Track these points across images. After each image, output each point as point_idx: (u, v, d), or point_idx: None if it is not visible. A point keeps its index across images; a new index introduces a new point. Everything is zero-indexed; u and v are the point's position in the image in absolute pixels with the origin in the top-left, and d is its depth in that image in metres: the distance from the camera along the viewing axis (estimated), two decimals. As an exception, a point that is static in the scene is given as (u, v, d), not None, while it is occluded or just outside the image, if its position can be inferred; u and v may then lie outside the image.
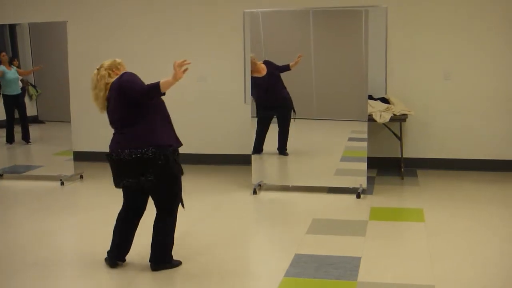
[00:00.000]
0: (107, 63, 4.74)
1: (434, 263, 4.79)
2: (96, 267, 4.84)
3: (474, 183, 7.67)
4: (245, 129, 7.78)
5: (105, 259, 4.89)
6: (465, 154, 8.32)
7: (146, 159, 4.47)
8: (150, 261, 4.79)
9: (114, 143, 4.62)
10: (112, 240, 4.84)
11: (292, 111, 7.31)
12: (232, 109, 8.79)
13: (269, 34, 7.42)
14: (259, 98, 7.39)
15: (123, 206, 4.83)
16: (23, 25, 8.66)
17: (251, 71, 7.35)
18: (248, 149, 7.51)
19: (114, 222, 4.82)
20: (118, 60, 4.82)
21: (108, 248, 4.87)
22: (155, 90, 4.49)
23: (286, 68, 7.25)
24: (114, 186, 4.69)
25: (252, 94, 7.41)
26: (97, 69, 4.72)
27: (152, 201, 4.73)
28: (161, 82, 4.50)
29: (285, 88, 7.31)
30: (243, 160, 8.27)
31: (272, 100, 7.46)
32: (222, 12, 8.76)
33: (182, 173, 4.68)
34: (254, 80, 7.33)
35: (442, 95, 8.27)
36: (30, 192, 7.68)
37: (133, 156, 4.47)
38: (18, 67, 8.60)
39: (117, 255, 4.86)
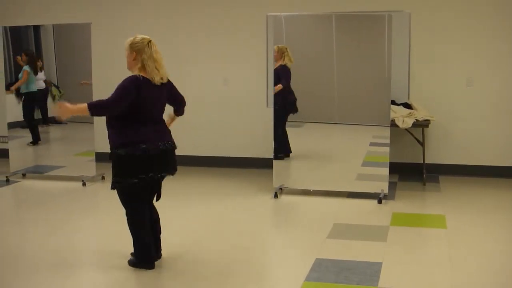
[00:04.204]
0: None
1: (455, 270, 4.76)
2: (116, 267, 4.86)
3: (497, 190, 7.59)
4: (267, 133, 7.77)
5: (138, 263, 4.85)
6: (488, 160, 8.24)
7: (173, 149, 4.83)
8: (159, 250, 4.94)
9: (152, 134, 4.68)
10: (146, 243, 4.81)
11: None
12: (254, 112, 8.79)
13: (292, 38, 7.41)
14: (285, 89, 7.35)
15: (141, 206, 4.80)
16: (47, 27, 8.72)
17: (283, 59, 7.28)
18: (269, 152, 7.51)
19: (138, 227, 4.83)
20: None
21: (134, 252, 4.90)
22: None
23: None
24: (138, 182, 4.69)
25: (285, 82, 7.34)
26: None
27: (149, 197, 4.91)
28: None
29: None
30: (264, 164, 8.26)
31: (293, 97, 7.41)
32: (245, 16, 8.76)
33: None
34: (285, 68, 7.28)
35: (465, 101, 8.21)
36: (52, 192, 7.74)
37: (172, 146, 4.81)
38: (42, 68, 8.68)
39: (155, 254, 4.91)
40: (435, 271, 4.77)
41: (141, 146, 4.57)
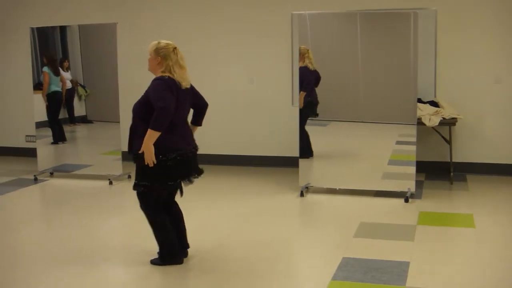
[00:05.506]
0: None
1: (484, 269, 4.71)
2: (142, 264, 4.90)
3: (525, 189, 7.52)
4: (292, 131, 7.75)
5: (164, 262, 4.89)
6: (516, 159, 8.16)
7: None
8: (186, 247, 4.99)
9: (182, 139, 4.74)
10: (171, 241, 4.86)
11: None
12: (279, 111, 8.78)
13: (317, 37, 7.39)
14: (310, 90, 7.34)
15: (160, 208, 4.85)
16: (73, 27, 8.79)
17: (304, 61, 7.28)
18: (295, 151, 7.49)
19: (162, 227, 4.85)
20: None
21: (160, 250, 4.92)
22: None
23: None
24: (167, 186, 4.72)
25: (306, 86, 7.35)
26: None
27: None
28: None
29: None
30: (290, 162, 8.25)
31: (313, 99, 7.40)
32: (270, 14, 8.75)
33: None
34: (305, 70, 7.30)
35: (492, 99, 8.12)
36: (79, 191, 7.81)
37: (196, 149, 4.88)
38: (68, 68, 8.76)
39: (182, 252, 4.96)
40: (463, 270, 4.73)
41: (172, 154, 4.61)
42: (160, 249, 4.89)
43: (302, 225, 6.41)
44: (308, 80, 7.30)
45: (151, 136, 4.49)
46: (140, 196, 4.79)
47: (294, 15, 8.21)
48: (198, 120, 5.04)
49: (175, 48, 4.71)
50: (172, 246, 4.86)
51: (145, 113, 4.58)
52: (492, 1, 8.01)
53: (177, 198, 4.98)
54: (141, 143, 4.55)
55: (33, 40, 8.70)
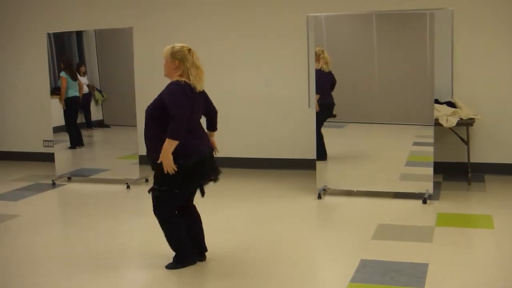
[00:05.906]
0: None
1: (504, 271, 4.67)
2: (159, 267, 4.90)
3: (545, 189, 7.45)
4: (309, 134, 7.74)
5: (179, 266, 4.89)
6: (535, 159, 8.09)
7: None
8: (204, 250, 4.99)
9: (199, 141, 4.73)
10: (184, 246, 4.87)
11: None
12: (295, 113, 8.77)
13: (333, 39, 7.38)
14: (323, 91, 7.33)
15: (173, 212, 4.85)
16: (89, 32, 8.83)
17: (319, 63, 7.28)
18: (312, 153, 7.48)
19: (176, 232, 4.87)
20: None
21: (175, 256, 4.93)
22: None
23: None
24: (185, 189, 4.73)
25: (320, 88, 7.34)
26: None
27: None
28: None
29: None
30: (307, 165, 8.24)
31: (329, 101, 7.38)
32: (285, 17, 8.75)
33: None
34: (320, 72, 7.30)
35: (510, 98, 8.06)
36: (97, 195, 7.84)
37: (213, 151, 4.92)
38: (85, 72, 8.80)
39: (198, 255, 4.96)
40: (483, 272, 4.70)
41: (192, 156, 4.60)
42: (174, 253, 4.90)
43: (319, 228, 6.40)
44: (322, 83, 7.28)
45: (170, 146, 4.49)
46: (156, 201, 4.79)
47: (310, 17, 8.18)
48: (212, 126, 5.08)
49: (189, 49, 4.72)
50: (186, 251, 4.87)
51: (160, 116, 4.58)
52: (509, 0, 7.95)
53: (196, 201, 4.98)
54: (159, 149, 4.54)
55: (49, 45, 8.75)
